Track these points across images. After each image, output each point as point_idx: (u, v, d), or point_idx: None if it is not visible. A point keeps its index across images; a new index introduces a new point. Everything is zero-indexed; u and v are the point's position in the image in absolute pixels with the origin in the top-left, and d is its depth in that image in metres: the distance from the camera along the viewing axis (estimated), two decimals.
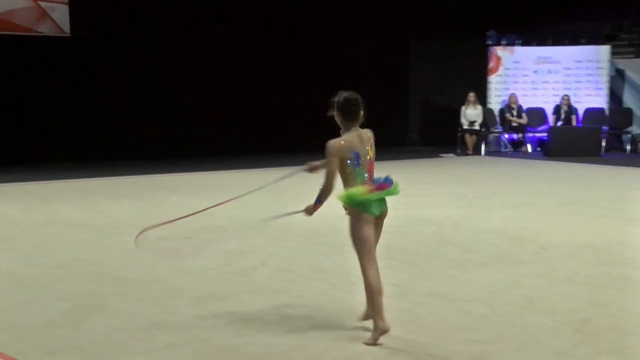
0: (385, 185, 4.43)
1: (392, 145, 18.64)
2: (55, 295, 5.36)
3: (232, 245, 7.10)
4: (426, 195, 10.64)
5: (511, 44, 18.87)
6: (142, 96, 15.37)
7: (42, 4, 14.45)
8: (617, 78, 18.42)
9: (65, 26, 14.71)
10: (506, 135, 17.88)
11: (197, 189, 11.34)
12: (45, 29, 14.55)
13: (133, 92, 15.29)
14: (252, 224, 8.19)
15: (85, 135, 14.87)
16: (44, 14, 14.49)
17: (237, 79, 16.48)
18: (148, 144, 15.39)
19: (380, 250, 6.77)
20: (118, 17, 15.16)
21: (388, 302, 5.11)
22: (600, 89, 17.98)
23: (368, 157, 4.42)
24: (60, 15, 14.66)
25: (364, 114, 4.49)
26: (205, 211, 5.20)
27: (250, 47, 16.68)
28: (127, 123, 15.15)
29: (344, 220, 8.63)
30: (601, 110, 17.75)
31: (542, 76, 18.25)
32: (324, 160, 4.49)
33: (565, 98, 17.36)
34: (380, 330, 4.26)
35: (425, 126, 19.78)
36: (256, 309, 4.99)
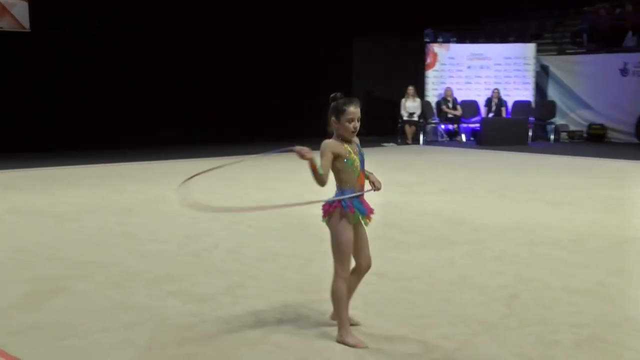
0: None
1: None
2: (17, 279, 5.25)
3: (186, 229, 7.04)
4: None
5: (447, 41, 19.04)
6: (103, 88, 15.14)
7: (2, 0, 14.09)
8: (542, 73, 18.74)
9: (25, 22, 14.38)
10: (442, 126, 18.07)
11: (156, 176, 11.21)
12: (4, 25, 14.20)
13: (93, 85, 15.05)
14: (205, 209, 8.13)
15: (45, 126, 14.59)
16: (3, 10, 14.14)
17: (199, 70, 16.36)
18: (106, 134, 15.18)
19: (327, 233, 6.80)
20: (77, 11, 14.89)
21: None
22: (527, 83, 18.28)
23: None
24: (20, 11, 14.32)
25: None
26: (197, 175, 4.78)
27: (210, 41, 16.56)
28: (87, 115, 14.92)
29: (294, 207, 8.64)
30: (528, 102, 18.05)
31: (475, 71, 18.47)
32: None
33: (496, 91, 17.59)
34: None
35: (368, 117, 19.79)
36: (210, 289, 4.97)
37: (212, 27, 16.59)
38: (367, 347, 3.85)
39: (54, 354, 3.80)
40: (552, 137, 17.89)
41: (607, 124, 17.89)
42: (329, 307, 4.54)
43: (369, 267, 4.17)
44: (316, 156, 3.89)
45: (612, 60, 17.96)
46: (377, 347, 3.87)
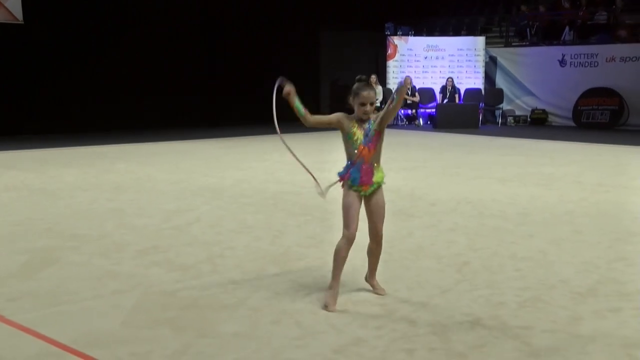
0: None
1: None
2: (14, 250, 5.15)
3: (170, 205, 6.97)
4: (335, 161, 10.66)
5: (406, 34, 19.03)
6: (93, 76, 14.89)
7: None
8: (491, 64, 18.83)
9: (18, 14, 14.03)
10: (402, 111, 18.08)
11: (142, 156, 11.08)
12: None
13: (84, 72, 14.79)
14: (188, 187, 8.07)
15: (39, 111, 14.37)
16: None
17: (180, 59, 16.15)
18: (97, 118, 14.98)
19: (298, 208, 6.81)
20: (68, 2, 14.59)
21: (304, 251, 5.15)
22: (478, 72, 18.36)
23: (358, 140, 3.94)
24: (13, 4, 13.96)
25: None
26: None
27: (189, 33, 16.33)
28: (78, 100, 14.71)
29: (268, 182, 8.62)
30: (478, 90, 18.13)
31: (431, 61, 18.49)
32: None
33: (450, 80, 17.64)
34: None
35: (334, 103, 19.83)
36: (191, 259, 4.93)
37: (192, 21, 16.39)
38: (334, 311, 3.84)
39: (48, 318, 3.74)
40: (499, 121, 18.02)
41: (548, 109, 18.08)
42: (299, 275, 4.54)
43: (376, 236, 4.07)
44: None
45: (552, 52, 18.12)
46: (342, 309, 3.87)
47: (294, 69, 18.16)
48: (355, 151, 3.93)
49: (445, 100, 17.53)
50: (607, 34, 17.69)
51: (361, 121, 3.96)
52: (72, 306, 3.94)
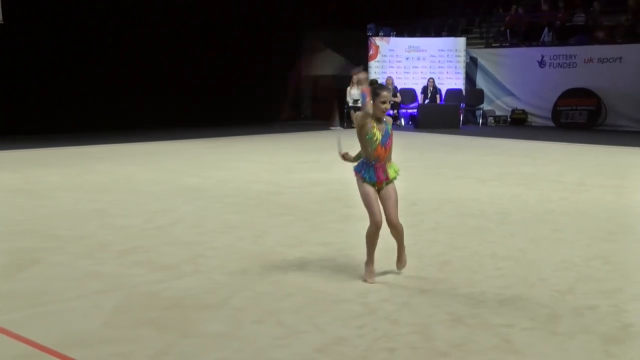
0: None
1: (288, 120, 18.67)
2: None
3: (153, 205, 6.93)
4: (318, 161, 10.70)
5: (387, 35, 19.05)
6: (73, 77, 14.76)
7: None
8: (472, 64, 18.93)
9: None
10: (392, 112, 18.13)
11: (124, 157, 11.01)
12: None
13: (64, 74, 14.66)
14: (171, 188, 8.03)
15: (20, 112, 14.22)
16: None
17: (164, 59, 16.07)
18: (77, 119, 14.86)
19: (280, 208, 6.80)
20: (48, 2, 14.47)
21: (287, 251, 5.14)
22: (459, 73, 18.44)
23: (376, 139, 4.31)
24: None
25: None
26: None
27: (174, 34, 16.27)
28: (58, 101, 14.58)
29: (251, 182, 8.59)
30: (459, 90, 18.21)
31: (413, 62, 18.55)
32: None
33: (431, 80, 17.70)
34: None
35: (317, 103, 19.85)
36: (174, 259, 4.90)
37: (177, 23, 16.29)
38: (373, 283, 4.31)
39: (29, 319, 3.70)
40: (480, 121, 18.11)
41: (528, 109, 18.20)
42: (282, 275, 4.53)
43: (391, 222, 4.40)
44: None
45: (531, 54, 18.25)
46: (324, 309, 3.87)
47: (276, 69, 18.23)
48: (373, 150, 4.29)
49: (427, 101, 17.58)
50: (585, 36, 17.85)
51: (379, 121, 4.29)
52: (54, 307, 3.90)
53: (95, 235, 5.62)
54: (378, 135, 4.26)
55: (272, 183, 8.38)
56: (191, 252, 5.09)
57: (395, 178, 4.40)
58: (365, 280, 4.37)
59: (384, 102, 4.25)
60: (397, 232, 4.47)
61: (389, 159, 4.37)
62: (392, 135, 4.34)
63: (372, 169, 4.32)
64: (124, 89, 15.34)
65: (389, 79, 17.77)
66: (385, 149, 4.30)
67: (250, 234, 5.71)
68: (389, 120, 4.38)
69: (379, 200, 4.37)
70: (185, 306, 3.92)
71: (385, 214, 4.39)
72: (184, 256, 4.98)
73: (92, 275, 4.50)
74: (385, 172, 4.34)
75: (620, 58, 16.71)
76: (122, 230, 5.81)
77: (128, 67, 15.37)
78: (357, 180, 4.41)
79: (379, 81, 18.22)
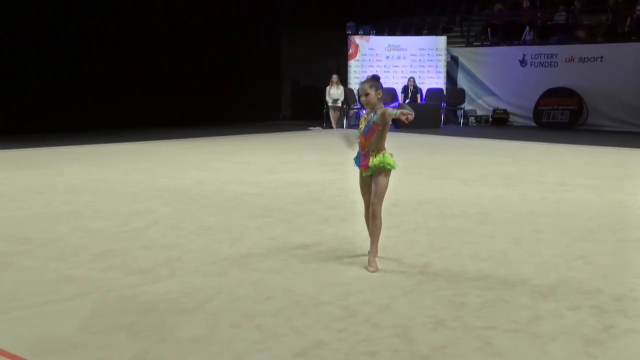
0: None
1: (267, 119, 18.65)
2: None
3: (128, 207, 6.88)
4: (297, 162, 10.70)
5: (367, 33, 19.12)
6: (45, 77, 14.62)
7: None
8: (452, 63, 19.05)
9: None
10: (364, 111, 18.14)
11: (97, 158, 10.92)
12: None
13: (35, 74, 14.51)
14: (147, 188, 7.98)
15: None
16: None
17: (138, 59, 15.98)
18: (48, 119, 14.71)
19: (259, 209, 6.78)
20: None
21: (266, 254, 5.13)
22: (439, 72, 18.55)
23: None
24: None
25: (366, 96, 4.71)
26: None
27: (148, 33, 16.17)
28: (29, 102, 14.42)
29: (229, 184, 8.58)
30: (440, 90, 18.33)
31: (393, 61, 18.63)
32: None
33: (411, 80, 17.79)
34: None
35: (296, 103, 19.85)
36: (150, 262, 4.87)
37: (152, 21, 16.21)
38: (376, 271, 4.61)
39: (1, 325, 3.66)
40: (461, 121, 18.23)
41: (509, 109, 18.36)
42: (260, 278, 4.53)
43: (368, 208, 4.78)
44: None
45: (513, 52, 18.42)
46: (304, 312, 3.87)
47: (254, 67, 18.20)
48: (358, 139, 4.79)
49: (407, 100, 17.67)
50: (566, 35, 18.05)
51: (370, 111, 4.73)
52: (25, 312, 3.86)
53: (68, 238, 5.57)
54: (362, 125, 4.76)
55: (251, 184, 8.36)
56: (168, 255, 5.06)
57: (379, 167, 4.66)
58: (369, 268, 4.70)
59: (359, 96, 4.77)
60: (373, 225, 4.74)
61: (372, 148, 4.68)
62: (375, 126, 4.64)
63: (357, 156, 4.82)
64: (102, 90, 15.25)
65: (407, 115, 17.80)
66: (365, 138, 4.70)
67: (228, 236, 5.69)
68: (383, 110, 4.63)
69: (370, 189, 4.75)
70: (162, 310, 3.90)
71: (369, 200, 4.78)
72: (160, 259, 4.95)
73: (64, 280, 4.46)
74: (367, 160, 4.69)
75: (601, 57, 16.93)
76: (97, 233, 5.76)
77: (106, 68, 15.27)
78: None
79: (359, 80, 18.37)
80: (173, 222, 6.19)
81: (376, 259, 4.75)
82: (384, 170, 4.69)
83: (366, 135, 4.70)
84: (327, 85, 17.51)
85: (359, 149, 4.79)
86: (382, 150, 4.70)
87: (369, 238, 4.82)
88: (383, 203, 4.73)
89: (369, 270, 4.65)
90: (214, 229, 5.94)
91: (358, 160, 4.81)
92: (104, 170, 9.47)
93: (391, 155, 4.74)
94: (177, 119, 16.64)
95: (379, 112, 4.63)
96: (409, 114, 4.41)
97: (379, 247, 4.79)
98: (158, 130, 15.28)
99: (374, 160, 4.67)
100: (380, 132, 4.65)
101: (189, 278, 4.52)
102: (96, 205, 6.97)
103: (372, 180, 4.73)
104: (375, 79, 4.78)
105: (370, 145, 4.69)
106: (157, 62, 16.25)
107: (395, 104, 17.86)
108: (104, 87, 15.32)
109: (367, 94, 4.66)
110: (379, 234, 4.75)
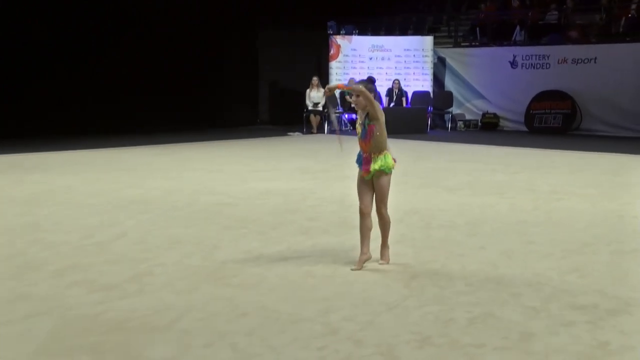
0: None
1: (244, 124, 18.62)
2: None
3: (92, 219, 6.82)
4: (275, 169, 10.68)
5: (349, 33, 19.16)
6: (8, 78, 14.51)
7: None
8: (440, 65, 19.16)
9: None
10: (346, 115, 18.19)
11: (56, 166, 10.82)
12: None
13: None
14: (113, 199, 7.92)
15: None
16: None
17: (103, 61, 15.88)
18: (11, 124, 14.56)
19: (233, 221, 6.76)
20: None
21: (241, 268, 5.12)
22: (426, 74, 18.64)
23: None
24: None
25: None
26: None
27: (119, 33, 16.10)
28: None
29: (200, 193, 8.54)
30: (427, 93, 18.41)
31: (377, 62, 18.69)
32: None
33: (396, 82, 17.85)
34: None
35: (274, 107, 19.84)
36: (116, 278, 4.83)
37: (112, 20, 16.13)
38: (359, 269, 4.98)
39: None
40: (449, 125, 18.31)
41: (500, 113, 18.47)
42: (234, 294, 4.50)
43: (377, 213, 5.17)
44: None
45: (503, 53, 18.56)
46: (281, 330, 3.86)
47: (230, 69, 18.16)
48: (361, 141, 5.07)
49: (392, 104, 17.72)
50: (558, 35, 18.23)
51: (361, 114, 5.04)
52: None
53: (26, 253, 5.51)
54: (359, 130, 5.08)
55: (225, 193, 8.33)
56: (135, 270, 5.03)
57: (379, 170, 5.00)
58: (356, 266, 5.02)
59: (351, 96, 5.05)
60: (381, 222, 5.17)
61: (374, 150, 5.02)
62: (370, 127, 4.97)
63: (360, 159, 5.13)
64: (63, 95, 15.13)
65: (351, 80, 17.83)
66: (365, 142, 5.03)
67: (200, 249, 5.66)
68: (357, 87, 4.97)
69: (371, 189, 5.09)
70: (129, 329, 3.87)
71: (376, 207, 5.14)
72: (127, 275, 4.92)
73: (22, 298, 4.40)
74: (369, 163, 5.01)
75: (595, 59, 17.11)
76: (58, 247, 5.71)
77: (52, 74, 15.15)
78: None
79: (341, 82, 18.40)
80: (141, 235, 6.15)
81: (363, 267, 5.06)
82: (385, 172, 5.04)
83: (365, 138, 5.03)
84: (307, 88, 17.52)
85: (361, 151, 5.10)
86: (384, 151, 5.04)
87: (352, 249, 4.89)
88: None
89: (379, 264, 5.16)
90: (184, 242, 5.91)
91: (360, 161, 5.11)
92: (65, 180, 9.38)
93: (394, 160, 5.10)
94: (146, 124, 16.55)
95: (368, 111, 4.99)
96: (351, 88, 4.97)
97: (368, 248, 5.14)
98: (126, 135, 15.18)
99: (374, 165, 5.01)
100: (379, 130, 4.98)
101: (159, 294, 4.49)
102: (57, 217, 6.91)
103: (374, 182, 5.07)
104: (370, 81, 5.11)
105: (372, 148, 5.02)
106: (127, 63, 16.16)
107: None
108: (65, 92, 15.20)
109: (358, 96, 4.95)
110: (389, 228, 5.22)
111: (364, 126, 5.01)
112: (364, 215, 5.10)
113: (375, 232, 5.26)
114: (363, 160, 5.08)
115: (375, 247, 5.29)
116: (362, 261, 5.07)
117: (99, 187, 8.72)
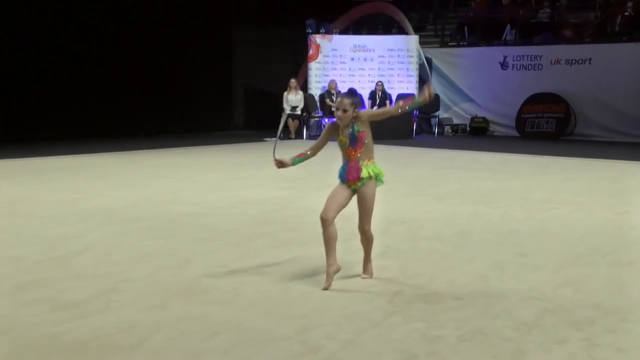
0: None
1: (216, 129, 18.56)
2: None
3: (54, 232, 6.77)
4: (251, 177, 10.68)
5: (329, 32, 19.22)
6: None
7: None
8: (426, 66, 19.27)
9: None
10: (326, 120, 18.19)
11: (16, 175, 10.74)
12: None
13: None
14: (76, 210, 7.88)
15: None
16: None
17: (72, 65, 15.83)
18: None
19: (207, 232, 6.75)
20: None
21: (214, 283, 5.10)
22: (411, 76, 18.73)
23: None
24: None
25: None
26: None
27: (94, 34, 16.06)
28: None
29: (171, 203, 8.51)
30: (412, 95, 18.48)
31: (359, 63, 18.75)
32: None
33: (379, 84, 17.91)
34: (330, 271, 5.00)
35: (249, 111, 19.82)
36: (79, 295, 4.79)
37: (80, 19, 16.08)
38: (325, 288, 4.90)
39: None
40: (436, 130, 18.41)
41: (489, 117, 18.61)
42: (208, 311, 4.49)
43: (360, 229, 5.13)
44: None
45: (492, 54, 18.70)
46: (257, 349, 3.85)
47: (202, 70, 18.11)
48: (345, 153, 5.06)
49: (375, 107, 17.78)
50: (551, 34, 18.39)
51: (345, 127, 5.01)
52: None
53: None
54: (345, 140, 5.02)
55: (197, 203, 8.31)
56: (101, 286, 4.99)
57: (369, 178, 4.99)
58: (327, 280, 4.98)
59: (337, 109, 5.01)
60: (364, 239, 5.15)
61: (363, 157, 5.02)
62: (361, 134, 4.99)
63: (344, 168, 5.06)
64: (27, 99, 15.04)
65: (332, 82, 17.93)
66: (355, 149, 5.02)
67: (171, 263, 5.64)
68: (360, 117, 5.01)
69: (345, 198, 5.04)
70: (94, 349, 3.84)
71: (359, 223, 5.10)
72: (92, 291, 4.88)
73: None
74: (357, 170, 5.00)
75: (590, 59, 17.29)
76: (16, 262, 5.65)
77: (34, 72, 15.10)
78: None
79: (320, 85, 18.43)
80: (107, 248, 6.11)
81: (332, 281, 5.02)
82: (373, 184, 5.03)
83: (355, 146, 5.02)
84: (284, 91, 17.54)
85: (345, 161, 5.05)
86: (372, 159, 5.07)
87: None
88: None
89: (362, 277, 5.19)
90: (154, 255, 5.88)
91: (343, 175, 5.06)
92: (24, 189, 9.31)
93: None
94: (112, 129, 16.46)
95: (358, 122, 5.01)
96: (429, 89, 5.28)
97: (335, 259, 5.07)
98: (92, 141, 15.08)
99: (365, 171, 5.00)
100: (368, 138, 5.04)
101: (126, 312, 4.46)
102: (15, 230, 6.85)
103: (360, 194, 5.02)
104: (353, 94, 5.13)
105: (362, 155, 5.03)
106: (93, 65, 16.10)
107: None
108: (31, 96, 15.13)
109: (345, 111, 4.96)
110: (372, 243, 5.21)
111: (354, 134, 4.99)
112: (326, 222, 4.98)
113: (357, 246, 5.27)
114: (350, 170, 5.03)
115: (357, 260, 5.30)
116: (331, 274, 4.98)
117: (61, 197, 8.66)
